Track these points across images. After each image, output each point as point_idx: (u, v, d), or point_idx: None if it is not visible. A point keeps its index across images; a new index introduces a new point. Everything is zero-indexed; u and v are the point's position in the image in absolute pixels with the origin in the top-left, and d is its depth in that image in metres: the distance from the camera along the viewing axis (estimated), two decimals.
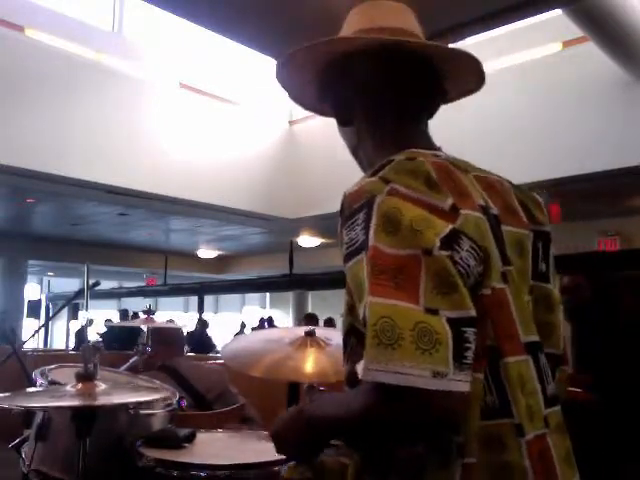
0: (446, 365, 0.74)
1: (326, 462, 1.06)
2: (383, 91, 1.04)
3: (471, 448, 0.82)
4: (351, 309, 0.92)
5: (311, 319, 6.47)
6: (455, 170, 0.95)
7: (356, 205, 0.86)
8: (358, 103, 1.07)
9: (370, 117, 1.06)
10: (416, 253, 0.79)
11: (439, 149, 1.03)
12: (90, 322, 9.64)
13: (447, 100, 1.12)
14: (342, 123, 1.11)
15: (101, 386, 1.54)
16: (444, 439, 0.82)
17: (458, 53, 1.03)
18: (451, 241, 0.82)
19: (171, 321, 3.41)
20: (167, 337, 2.91)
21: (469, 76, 1.09)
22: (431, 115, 1.09)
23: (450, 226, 0.83)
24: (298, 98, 1.20)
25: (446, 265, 0.79)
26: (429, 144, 1.04)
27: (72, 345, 11.37)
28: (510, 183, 1.04)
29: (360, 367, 0.78)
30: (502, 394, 0.85)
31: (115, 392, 1.59)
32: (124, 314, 11.14)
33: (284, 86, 1.15)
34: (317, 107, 1.20)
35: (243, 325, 13.00)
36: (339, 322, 12.39)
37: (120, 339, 8.04)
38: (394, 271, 0.78)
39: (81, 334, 9.96)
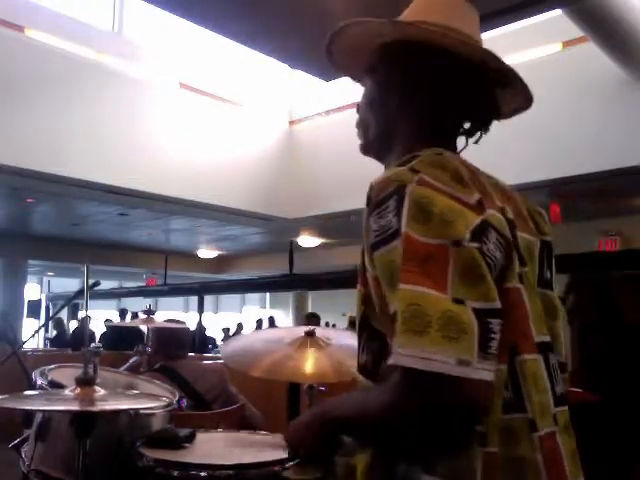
0: (471, 353, 0.76)
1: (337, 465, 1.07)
2: (440, 90, 1.02)
3: (493, 438, 0.84)
4: (366, 300, 0.92)
5: (313, 319, 6.47)
6: (478, 171, 0.98)
7: (385, 193, 0.86)
8: (409, 92, 1.04)
9: (419, 110, 1.04)
10: (445, 243, 0.81)
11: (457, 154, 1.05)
12: (88, 319, 9.64)
13: (499, 117, 1.10)
14: (382, 105, 1.07)
15: (100, 391, 1.54)
16: (463, 428, 0.83)
17: (514, 75, 1.03)
18: (480, 233, 0.83)
19: (176, 321, 3.38)
20: (168, 337, 2.89)
21: (516, 98, 1.08)
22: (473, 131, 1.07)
23: (480, 217, 0.85)
24: (342, 64, 1.16)
25: (475, 256, 0.81)
26: (455, 150, 1.05)
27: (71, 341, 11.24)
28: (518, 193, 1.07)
29: (391, 355, 0.80)
30: (517, 389, 0.87)
31: (114, 398, 1.59)
32: (122, 313, 11.12)
33: (333, 44, 1.11)
34: (358, 76, 1.16)
35: (240, 326, 13.01)
36: (340, 322, 12.38)
37: (120, 339, 8.03)
38: (423, 259, 0.80)
39: (77, 333, 9.93)
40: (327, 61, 1.16)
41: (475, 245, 0.81)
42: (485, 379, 0.77)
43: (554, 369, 0.94)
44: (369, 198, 0.88)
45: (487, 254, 0.83)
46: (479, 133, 1.08)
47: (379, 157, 1.11)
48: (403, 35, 1.03)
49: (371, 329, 0.93)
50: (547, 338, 0.94)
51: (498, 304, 0.81)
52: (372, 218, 0.87)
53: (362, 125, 1.11)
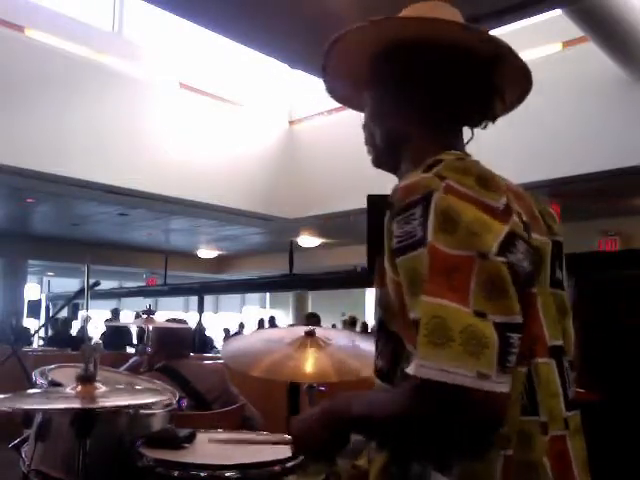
0: (491, 368, 0.76)
1: (341, 467, 1.07)
2: (441, 89, 1.01)
3: (512, 440, 0.84)
4: (383, 302, 0.93)
5: (313, 319, 6.46)
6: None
7: (411, 199, 0.85)
8: (410, 96, 1.03)
9: (422, 113, 1.03)
10: (471, 255, 0.80)
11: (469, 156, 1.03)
12: (89, 319, 9.61)
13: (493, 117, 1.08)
14: (384, 114, 1.07)
15: (101, 388, 1.53)
16: (480, 434, 0.82)
17: (519, 64, 1.01)
18: (508, 244, 0.82)
19: (178, 320, 3.35)
20: (169, 337, 2.89)
21: (516, 91, 1.07)
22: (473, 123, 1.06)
23: (506, 228, 0.83)
24: (334, 87, 1.17)
25: (500, 271, 0.80)
26: (463, 150, 1.04)
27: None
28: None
29: (411, 365, 0.80)
30: (531, 392, 0.87)
31: (115, 395, 1.59)
32: (115, 313, 11.08)
33: (327, 66, 1.11)
34: (353, 98, 1.17)
35: (242, 325, 13.00)
36: (340, 322, 12.37)
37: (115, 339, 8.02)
38: (449, 271, 0.80)
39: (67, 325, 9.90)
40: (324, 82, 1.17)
41: (502, 259, 0.81)
42: (503, 392, 0.77)
43: (567, 373, 0.93)
44: (392, 202, 0.87)
45: (516, 265, 0.82)
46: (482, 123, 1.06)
47: (390, 167, 1.09)
48: (402, 32, 1.02)
49: (387, 332, 0.93)
50: (560, 342, 0.93)
51: (519, 318, 0.80)
52: (395, 223, 0.86)
53: (370, 141, 1.11)
